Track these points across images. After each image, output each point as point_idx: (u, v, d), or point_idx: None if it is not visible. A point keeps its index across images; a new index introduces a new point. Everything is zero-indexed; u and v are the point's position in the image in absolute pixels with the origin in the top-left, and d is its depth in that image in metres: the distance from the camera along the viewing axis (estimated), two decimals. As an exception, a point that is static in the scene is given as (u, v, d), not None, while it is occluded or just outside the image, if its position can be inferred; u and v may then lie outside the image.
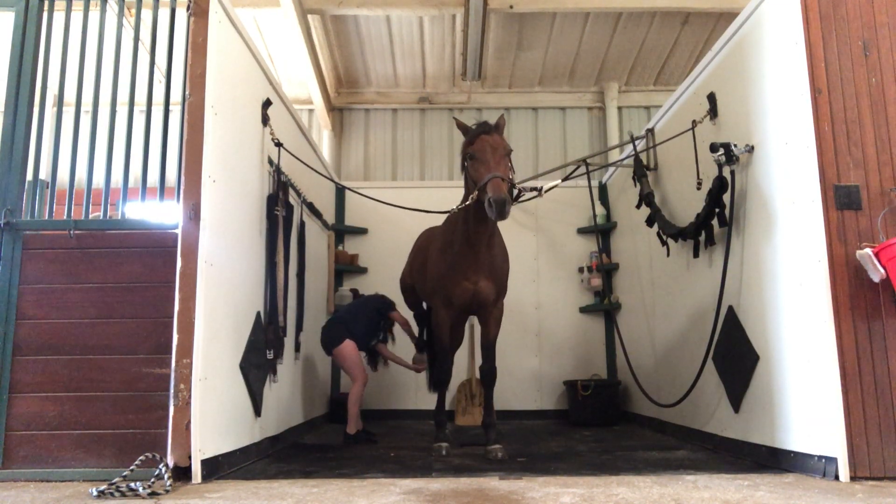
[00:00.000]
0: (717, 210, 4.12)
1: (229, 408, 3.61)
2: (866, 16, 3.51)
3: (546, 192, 4.37)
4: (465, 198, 4.01)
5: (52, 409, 3.43)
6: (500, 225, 4.31)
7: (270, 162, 4.44)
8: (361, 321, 5.23)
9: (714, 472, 3.34)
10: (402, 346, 5.82)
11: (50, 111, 5.19)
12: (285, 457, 4.13)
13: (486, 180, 3.69)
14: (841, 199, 3.29)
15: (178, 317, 3.27)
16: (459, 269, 4.25)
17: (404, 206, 4.65)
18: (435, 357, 4.87)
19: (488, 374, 4.36)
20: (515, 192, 4.04)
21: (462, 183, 4.19)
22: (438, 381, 4.70)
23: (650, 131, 5.62)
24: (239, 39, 3.98)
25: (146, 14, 3.90)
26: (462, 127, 4.10)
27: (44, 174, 3.83)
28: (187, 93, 3.49)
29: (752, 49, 3.84)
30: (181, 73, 3.60)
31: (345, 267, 6.88)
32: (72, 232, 3.62)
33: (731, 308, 4.05)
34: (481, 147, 3.86)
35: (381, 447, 4.65)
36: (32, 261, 3.59)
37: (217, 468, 3.33)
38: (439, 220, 4.77)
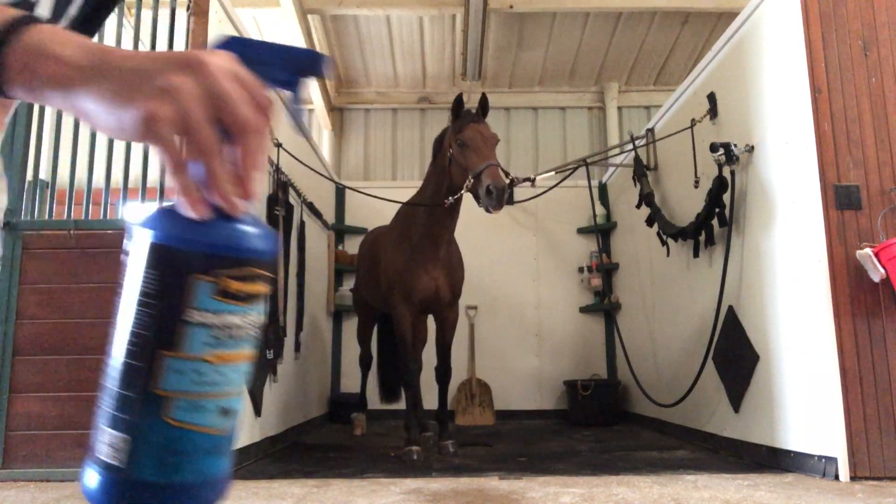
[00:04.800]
0: (717, 210, 4.12)
1: (229, 408, 3.60)
2: (866, 16, 3.50)
3: (538, 183, 4.34)
4: (440, 186, 3.97)
5: (52, 409, 3.42)
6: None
7: (270, 162, 4.43)
8: None
9: (714, 472, 3.34)
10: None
11: (50, 111, 5.19)
12: (285, 457, 4.13)
13: (482, 168, 3.62)
14: (841, 199, 3.29)
15: (178, 317, 3.26)
16: (419, 263, 4.11)
17: (403, 202, 4.63)
18: (399, 357, 4.49)
19: (444, 374, 4.39)
20: (508, 180, 3.97)
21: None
22: (405, 384, 4.39)
23: (650, 131, 5.62)
24: (239, 39, 3.97)
25: (146, 14, 3.91)
26: (455, 109, 3.94)
27: (44, 174, 3.83)
28: (187, 93, 3.49)
29: (752, 49, 3.84)
30: (181, 73, 3.59)
31: (345, 267, 6.86)
32: (72, 232, 3.62)
33: (731, 308, 4.05)
34: (472, 135, 3.77)
35: (381, 447, 4.63)
36: (32, 261, 3.59)
37: (217, 468, 3.32)
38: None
